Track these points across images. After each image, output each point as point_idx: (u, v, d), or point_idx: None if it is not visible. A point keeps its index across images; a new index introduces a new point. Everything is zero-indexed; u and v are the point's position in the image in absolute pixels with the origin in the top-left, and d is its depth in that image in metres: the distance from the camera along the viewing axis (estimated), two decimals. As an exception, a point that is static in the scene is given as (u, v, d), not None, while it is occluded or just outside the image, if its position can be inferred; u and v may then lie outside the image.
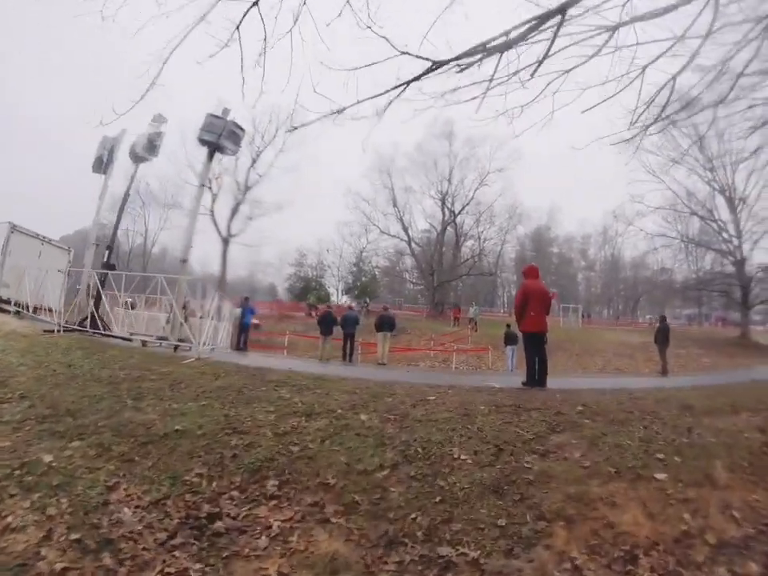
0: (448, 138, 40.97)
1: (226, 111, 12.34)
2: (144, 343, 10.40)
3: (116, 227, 13.40)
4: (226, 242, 36.10)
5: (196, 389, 5.96)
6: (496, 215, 43.29)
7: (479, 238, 43.74)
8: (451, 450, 3.97)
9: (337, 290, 50.90)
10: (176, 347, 10.17)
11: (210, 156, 12.35)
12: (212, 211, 35.91)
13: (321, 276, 46.05)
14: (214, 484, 3.75)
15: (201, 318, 11.38)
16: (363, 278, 45.53)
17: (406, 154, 42.58)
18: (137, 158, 12.94)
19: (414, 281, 53.80)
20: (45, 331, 10.57)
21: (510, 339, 16.80)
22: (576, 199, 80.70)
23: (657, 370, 15.39)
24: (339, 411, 5.01)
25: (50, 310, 11.68)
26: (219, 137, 11.68)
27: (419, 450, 4.02)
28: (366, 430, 4.49)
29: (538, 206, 57.60)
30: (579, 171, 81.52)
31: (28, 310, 12.06)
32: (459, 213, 42.02)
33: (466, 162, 41.32)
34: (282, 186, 54.51)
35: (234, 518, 3.40)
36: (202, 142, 12.14)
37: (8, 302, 12.82)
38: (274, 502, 3.57)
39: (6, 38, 70.08)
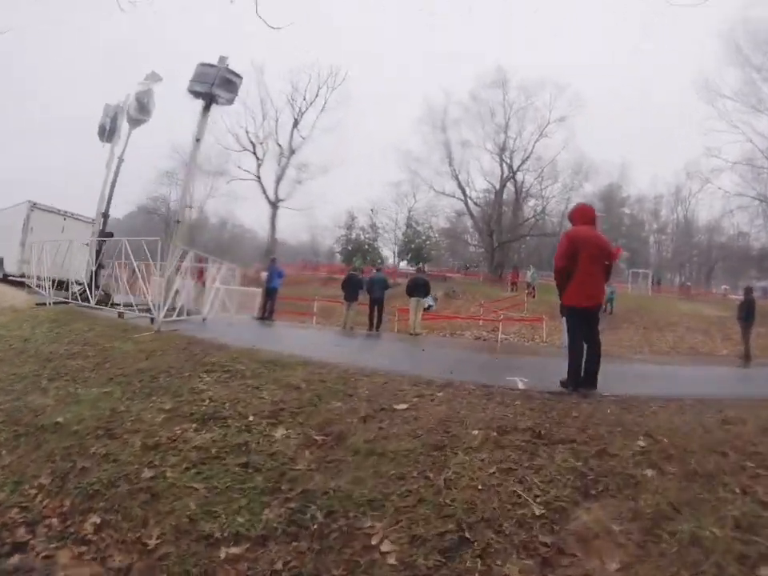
0: (502, 86, 37.38)
1: (222, 59, 11.15)
2: (120, 314, 9.24)
3: (110, 195, 12.27)
4: (274, 206, 35.07)
5: (116, 370, 5.15)
6: (559, 171, 39.42)
7: (542, 195, 40.06)
8: (372, 530, 2.15)
9: (393, 253, 49.24)
10: (120, 314, 9.29)
11: (206, 108, 11.13)
12: (258, 176, 35.01)
13: (373, 239, 44.16)
14: (46, 502, 3.00)
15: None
16: (417, 240, 43.09)
17: (460, 103, 39.09)
18: (132, 121, 12.08)
19: (476, 243, 51.07)
20: (37, 304, 10.34)
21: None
22: (647, 154, 73.49)
23: (738, 354, 12.45)
24: (250, 419, 3.53)
25: (77, 283, 11.27)
26: (212, 86, 10.57)
27: (319, 517, 2.23)
28: (264, 458, 2.80)
29: (607, 160, 52.36)
30: (650, 120, 74.60)
31: (45, 285, 11.52)
32: (519, 168, 38.59)
33: (523, 112, 37.70)
34: (329, 146, 52.51)
35: (36, 555, 2.59)
36: (194, 93, 10.92)
37: (27, 277, 12.88)
38: (83, 548, 2.58)
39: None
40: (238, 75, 11.36)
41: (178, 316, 9.39)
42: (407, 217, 45.49)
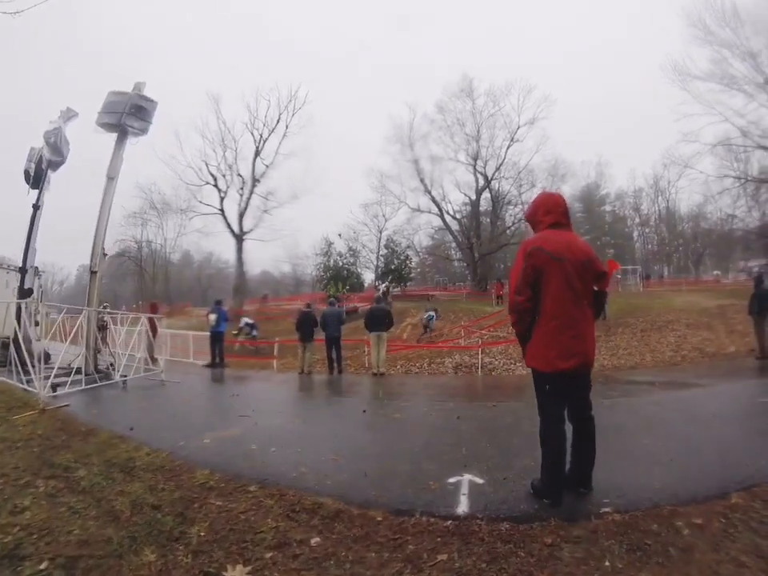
0: (468, 94, 36.32)
1: (138, 85, 10.13)
2: (27, 381, 7.55)
3: (27, 246, 10.54)
4: (239, 239, 33.30)
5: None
6: (536, 175, 37.98)
7: (520, 202, 38.65)
8: None
9: (374, 275, 47.54)
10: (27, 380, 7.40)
11: (119, 141, 9.85)
12: (222, 209, 33.34)
13: (351, 263, 42.45)
14: None
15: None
16: (396, 261, 41.53)
17: (426, 117, 37.98)
18: (50, 164, 10.49)
19: (458, 258, 49.63)
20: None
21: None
22: (623, 148, 73.59)
23: (756, 355, 10.47)
24: (42, 567, 2.26)
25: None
26: (121, 116, 9.56)
27: None
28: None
29: (583, 160, 51.82)
30: (623, 116, 74.45)
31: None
32: (493, 176, 37.18)
33: (493, 119, 36.50)
34: (296, 172, 51.58)
35: None
36: (103, 126, 9.75)
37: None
38: None
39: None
40: (150, 100, 10.20)
41: (94, 381, 8.39)
42: (384, 237, 43.94)
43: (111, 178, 9.83)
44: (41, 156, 10.41)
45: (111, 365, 9.39)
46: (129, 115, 9.62)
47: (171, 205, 36.44)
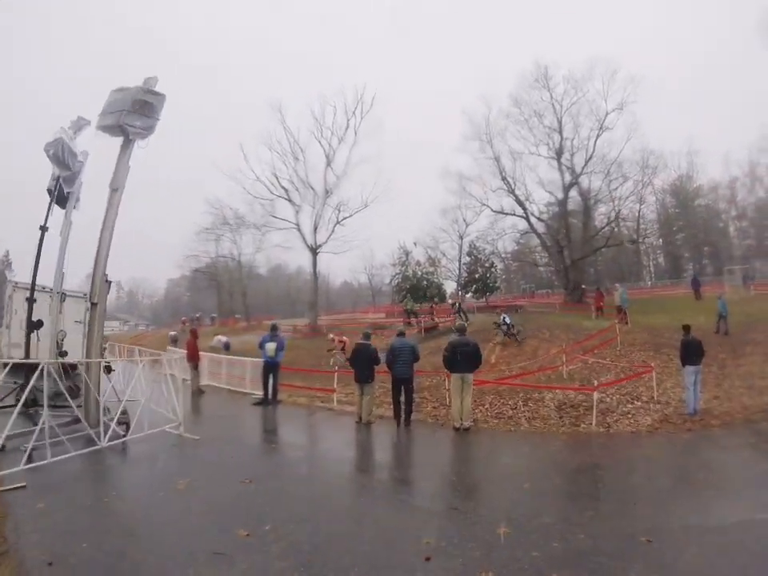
0: (544, 84, 32.83)
1: (148, 81, 8.49)
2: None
3: (35, 267, 9.27)
4: (314, 252, 32.10)
5: None
6: (627, 168, 33.45)
7: (611, 199, 34.31)
8: None
9: (457, 286, 44.75)
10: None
11: (124, 145, 8.30)
12: (297, 223, 32.31)
13: (430, 273, 39.95)
14: None
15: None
16: (480, 269, 38.50)
17: (502, 110, 34.54)
18: (64, 180, 9.23)
19: (545, 263, 45.64)
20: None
21: (690, 351, 9.77)
22: (714, 135, 65.38)
23: None
24: None
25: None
26: (121, 116, 8.01)
27: None
28: None
29: (672, 150, 45.98)
30: (714, 96, 66.37)
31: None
32: (582, 171, 33.18)
33: (576, 107, 32.69)
34: (368, 180, 50.16)
35: None
36: (103, 129, 8.30)
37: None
38: None
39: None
40: (156, 93, 8.44)
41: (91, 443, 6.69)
42: (464, 244, 41.15)
43: (115, 190, 8.20)
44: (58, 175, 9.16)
45: (122, 416, 7.69)
46: (130, 113, 8.06)
47: (245, 220, 35.91)
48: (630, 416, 9.88)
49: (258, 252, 40.88)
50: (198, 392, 13.68)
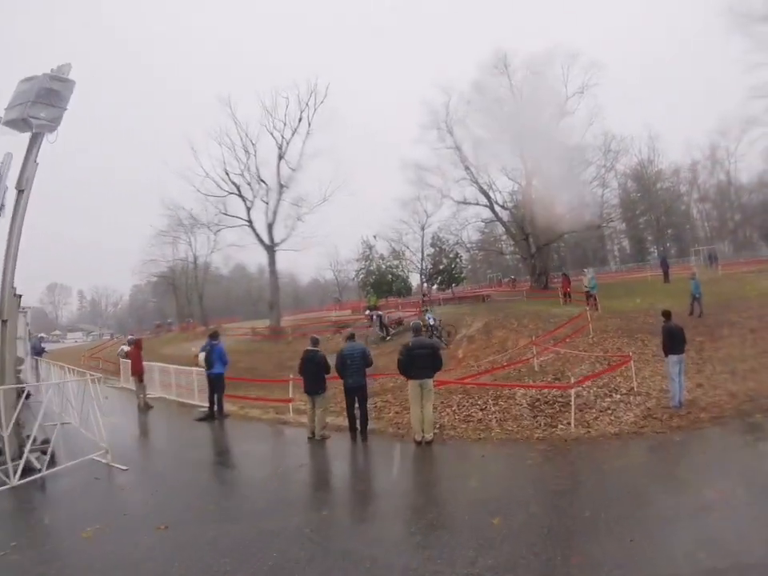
0: (503, 71, 32.12)
1: (61, 69, 7.44)
2: None
3: None
4: (270, 249, 30.50)
5: None
6: (590, 153, 33.37)
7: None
8: None
9: (421, 278, 43.78)
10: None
11: (32, 140, 7.30)
12: (249, 220, 30.64)
13: (395, 266, 38.86)
14: None
15: None
16: (445, 260, 37.58)
17: (462, 97, 33.26)
18: None
19: (511, 251, 45.06)
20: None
21: (672, 338, 8.92)
22: (673, 119, 66.51)
23: None
24: None
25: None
26: (25, 107, 6.98)
27: None
28: None
29: (632, 134, 46.40)
30: (670, 82, 67.87)
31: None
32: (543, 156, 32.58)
33: (536, 93, 32.01)
34: (325, 174, 49.05)
35: None
36: (10, 124, 7.15)
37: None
38: None
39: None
40: (64, 80, 7.43)
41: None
42: (427, 235, 40.21)
43: (21, 191, 6.99)
44: None
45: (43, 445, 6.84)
46: (35, 104, 6.98)
47: (197, 220, 34.03)
48: (609, 412, 8.97)
49: (213, 252, 39.18)
50: (145, 407, 12.47)
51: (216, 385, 10.61)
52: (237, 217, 31.13)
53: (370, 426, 8.43)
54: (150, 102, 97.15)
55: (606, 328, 15.82)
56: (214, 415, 10.48)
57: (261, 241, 30.52)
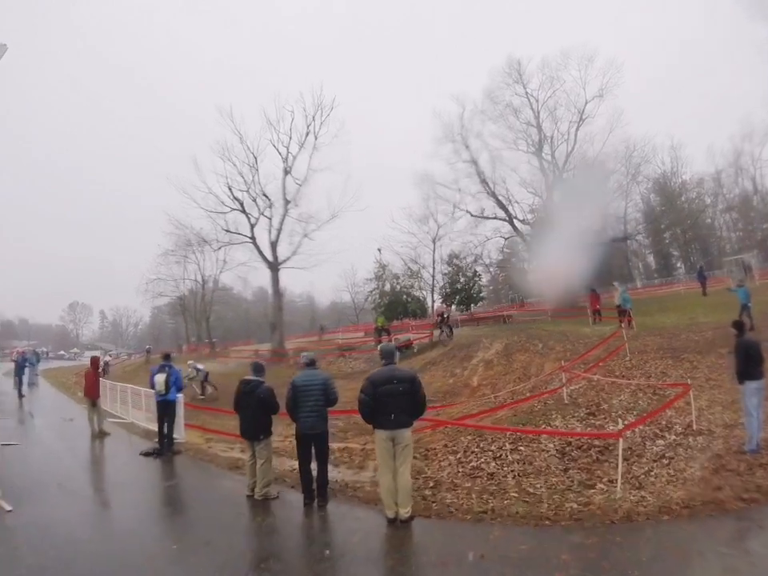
0: (517, 80, 30.58)
1: None
2: None
3: None
4: (274, 268, 28.74)
5: None
6: (612, 162, 31.82)
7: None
8: None
9: (438, 297, 41.45)
10: None
11: None
12: (253, 237, 29.09)
13: (410, 286, 36.77)
14: None
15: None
16: (462, 278, 35.31)
17: (476, 108, 31.69)
18: None
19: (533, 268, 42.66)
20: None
21: (750, 358, 6.63)
22: (693, 124, 64.09)
23: None
24: None
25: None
26: None
27: None
28: None
29: (654, 143, 44.31)
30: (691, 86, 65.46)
31: None
32: (564, 166, 30.58)
33: (553, 99, 30.58)
34: (336, 191, 47.71)
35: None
36: None
37: None
38: None
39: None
40: None
41: None
42: (441, 251, 38.32)
43: None
44: None
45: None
46: None
47: (203, 238, 32.58)
48: (665, 461, 6.65)
49: (222, 272, 37.86)
50: (100, 435, 10.74)
51: (168, 413, 8.85)
52: (238, 233, 29.68)
53: (341, 476, 6.33)
54: (160, 120, 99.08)
55: (645, 348, 13.44)
56: (162, 449, 8.73)
57: (264, 258, 28.85)
